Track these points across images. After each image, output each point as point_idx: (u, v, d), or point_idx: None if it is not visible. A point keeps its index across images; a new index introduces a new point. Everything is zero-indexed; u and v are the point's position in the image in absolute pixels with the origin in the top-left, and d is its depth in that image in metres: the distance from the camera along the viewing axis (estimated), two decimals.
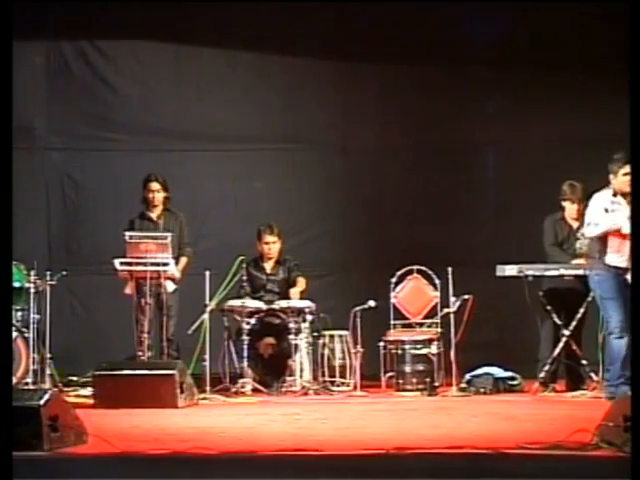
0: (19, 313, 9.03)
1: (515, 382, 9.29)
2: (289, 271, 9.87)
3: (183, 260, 9.60)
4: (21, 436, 5.32)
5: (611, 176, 8.17)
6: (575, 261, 9.07)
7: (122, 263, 9.05)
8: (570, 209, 9.21)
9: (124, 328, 9.36)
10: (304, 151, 11.12)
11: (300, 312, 9.37)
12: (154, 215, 9.67)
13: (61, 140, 11.00)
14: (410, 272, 9.94)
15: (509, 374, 9.31)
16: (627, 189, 7.82)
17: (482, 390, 9.12)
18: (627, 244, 7.88)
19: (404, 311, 9.89)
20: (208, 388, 8.86)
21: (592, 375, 8.88)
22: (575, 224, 9.23)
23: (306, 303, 9.45)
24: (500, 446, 5.41)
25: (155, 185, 9.65)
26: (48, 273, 9.14)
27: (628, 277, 7.83)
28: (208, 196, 10.99)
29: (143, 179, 9.70)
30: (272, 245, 9.81)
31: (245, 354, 9.18)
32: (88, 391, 8.66)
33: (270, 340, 9.54)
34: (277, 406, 8.26)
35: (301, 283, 9.71)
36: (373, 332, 9.51)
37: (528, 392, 9.04)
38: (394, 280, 9.87)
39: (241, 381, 9.11)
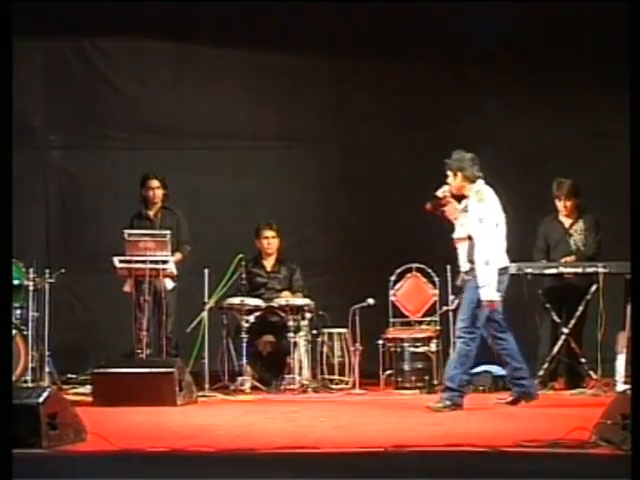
0: (18, 311, 9.04)
1: None
2: (291, 273, 9.88)
3: (177, 255, 9.49)
4: (20, 434, 5.32)
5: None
6: (569, 258, 9.09)
7: (121, 261, 9.05)
8: (559, 206, 9.23)
9: (123, 326, 9.37)
10: (303, 149, 11.10)
11: (299, 310, 9.38)
12: (151, 213, 9.67)
13: (60, 138, 10.98)
14: (409, 270, 9.95)
15: None
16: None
17: (481, 388, 9.12)
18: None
19: (403, 309, 9.90)
20: (207, 386, 8.88)
21: (591, 373, 8.89)
22: (567, 221, 9.25)
23: (305, 301, 9.46)
24: (499, 444, 5.42)
25: (155, 182, 9.65)
26: (47, 271, 9.16)
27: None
28: (207, 194, 10.97)
29: (141, 177, 9.71)
30: (272, 240, 9.82)
31: (244, 352, 9.19)
32: (87, 389, 8.68)
33: (269, 338, 9.55)
34: (276, 404, 8.27)
35: (300, 294, 9.71)
36: (372, 330, 9.51)
37: None
38: (393, 278, 9.89)
39: (240, 379, 9.12)
